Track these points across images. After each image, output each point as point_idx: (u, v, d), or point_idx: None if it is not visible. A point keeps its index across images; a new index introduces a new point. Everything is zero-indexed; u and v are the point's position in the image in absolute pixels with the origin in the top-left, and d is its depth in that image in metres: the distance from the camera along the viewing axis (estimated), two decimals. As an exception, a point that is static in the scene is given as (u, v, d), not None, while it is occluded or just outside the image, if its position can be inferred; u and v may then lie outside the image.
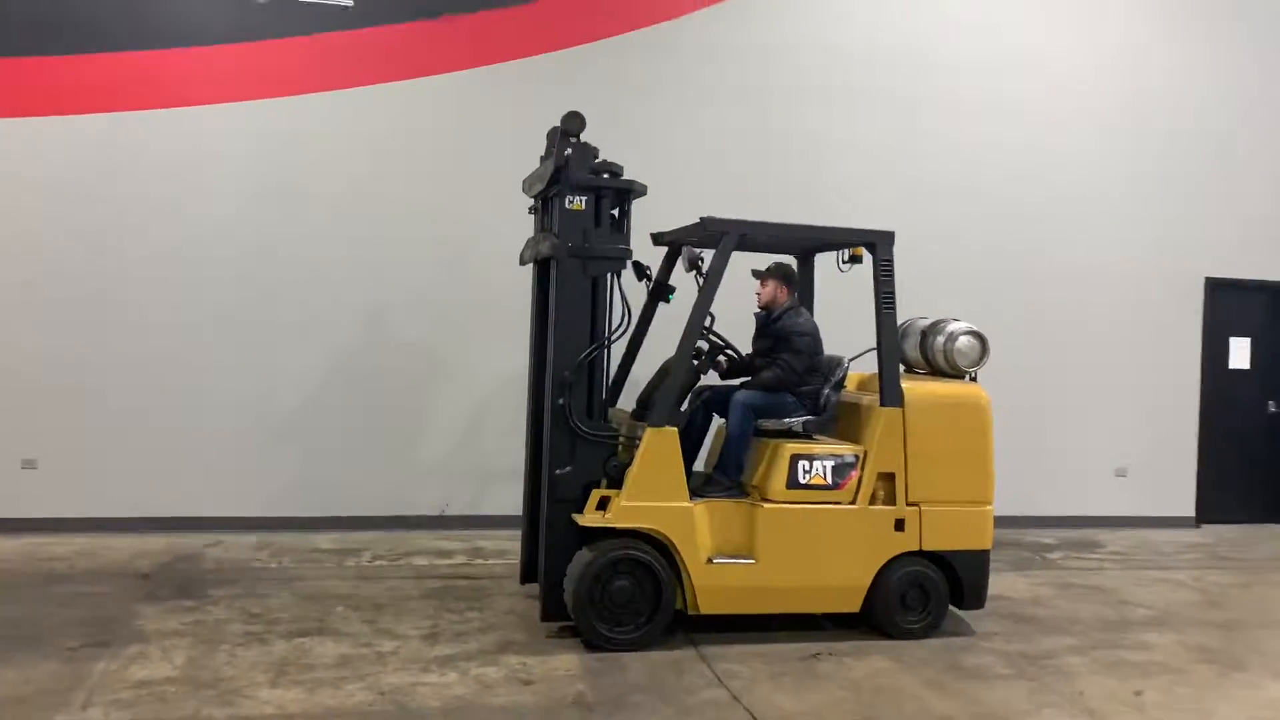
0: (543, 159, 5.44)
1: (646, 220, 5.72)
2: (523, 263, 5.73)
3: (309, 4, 7.17)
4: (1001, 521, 7.84)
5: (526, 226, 5.82)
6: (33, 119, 6.88)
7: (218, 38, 7.10)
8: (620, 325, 5.26)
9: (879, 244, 5.28)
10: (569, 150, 5.10)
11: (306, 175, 7.25)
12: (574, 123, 5.17)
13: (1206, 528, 8.78)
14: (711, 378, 5.66)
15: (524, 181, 5.66)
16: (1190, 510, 8.83)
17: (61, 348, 6.90)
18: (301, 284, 7.25)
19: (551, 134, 5.33)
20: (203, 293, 7.10)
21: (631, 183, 5.23)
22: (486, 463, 7.36)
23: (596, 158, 5.18)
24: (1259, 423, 9.15)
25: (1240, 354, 9.06)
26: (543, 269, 5.49)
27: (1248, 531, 8.74)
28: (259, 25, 7.13)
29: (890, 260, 5.28)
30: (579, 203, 5.09)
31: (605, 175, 5.14)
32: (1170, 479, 8.79)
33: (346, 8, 7.21)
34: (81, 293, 6.93)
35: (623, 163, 5.25)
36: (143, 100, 7.04)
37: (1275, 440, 9.14)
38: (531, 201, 5.67)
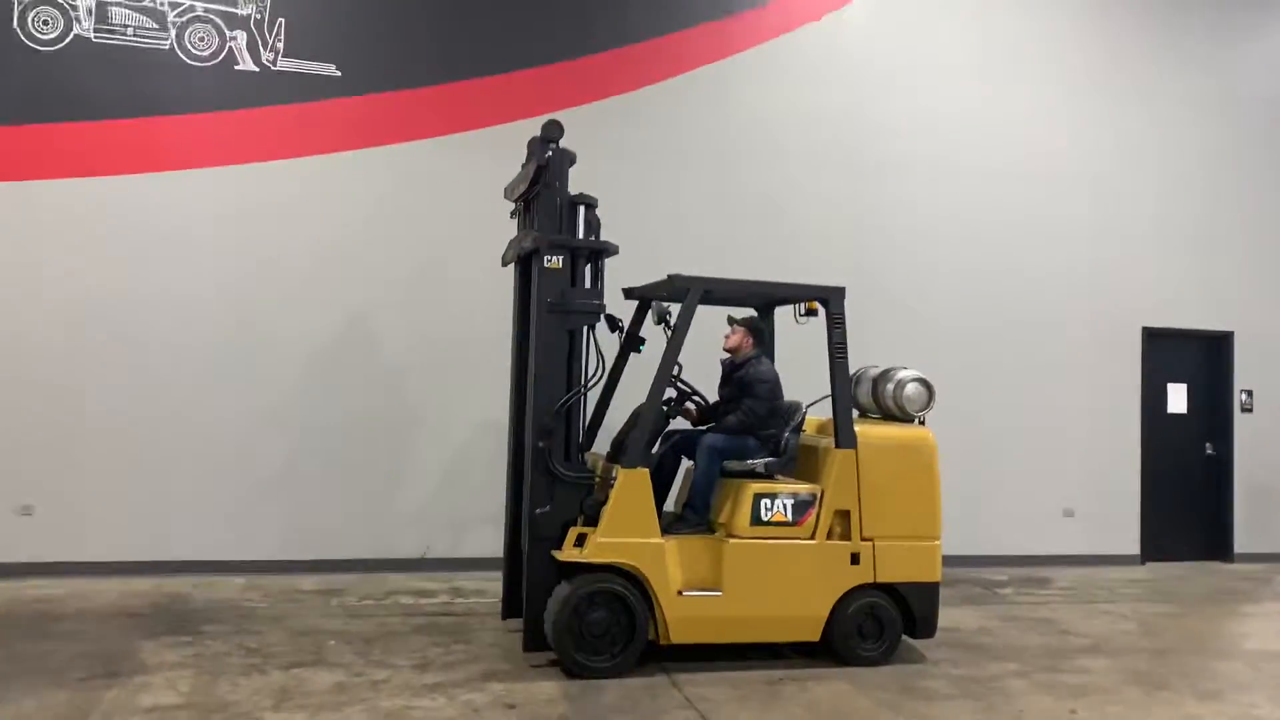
0: (524, 165, 5.88)
1: (619, 276, 6.16)
2: (505, 263, 6.16)
3: (297, 74, 7.62)
4: (956, 560, 8.37)
5: (501, 282, 6.26)
6: (20, 183, 7.19)
7: (208, 106, 7.49)
8: (595, 374, 5.69)
9: (831, 298, 5.76)
10: (549, 154, 5.55)
11: (288, 235, 7.60)
12: (554, 129, 5.64)
13: (1151, 565, 9.26)
14: (681, 422, 6.11)
15: (506, 188, 6.13)
16: (1135, 548, 9.32)
17: (52, 401, 7.16)
18: (283, 338, 7.57)
19: (532, 143, 5.78)
20: (188, 347, 7.40)
21: (605, 243, 5.70)
22: (465, 507, 7.68)
23: (573, 163, 5.64)
24: (1197, 464, 9.70)
25: (1178, 399, 9.64)
26: (524, 268, 5.91)
27: (1189, 568, 9.23)
28: (249, 94, 7.55)
29: (842, 313, 5.76)
30: (556, 262, 5.54)
31: (582, 206, 5.61)
32: (1115, 519, 9.29)
33: (336, 76, 7.68)
34: (71, 349, 7.20)
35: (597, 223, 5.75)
36: (128, 165, 7.35)
37: (1213, 481, 9.69)
38: (513, 206, 6.13)
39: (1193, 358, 9.69)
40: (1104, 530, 9.24)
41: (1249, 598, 8.07)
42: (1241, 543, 9.58)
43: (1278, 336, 9.83)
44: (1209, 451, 9.70)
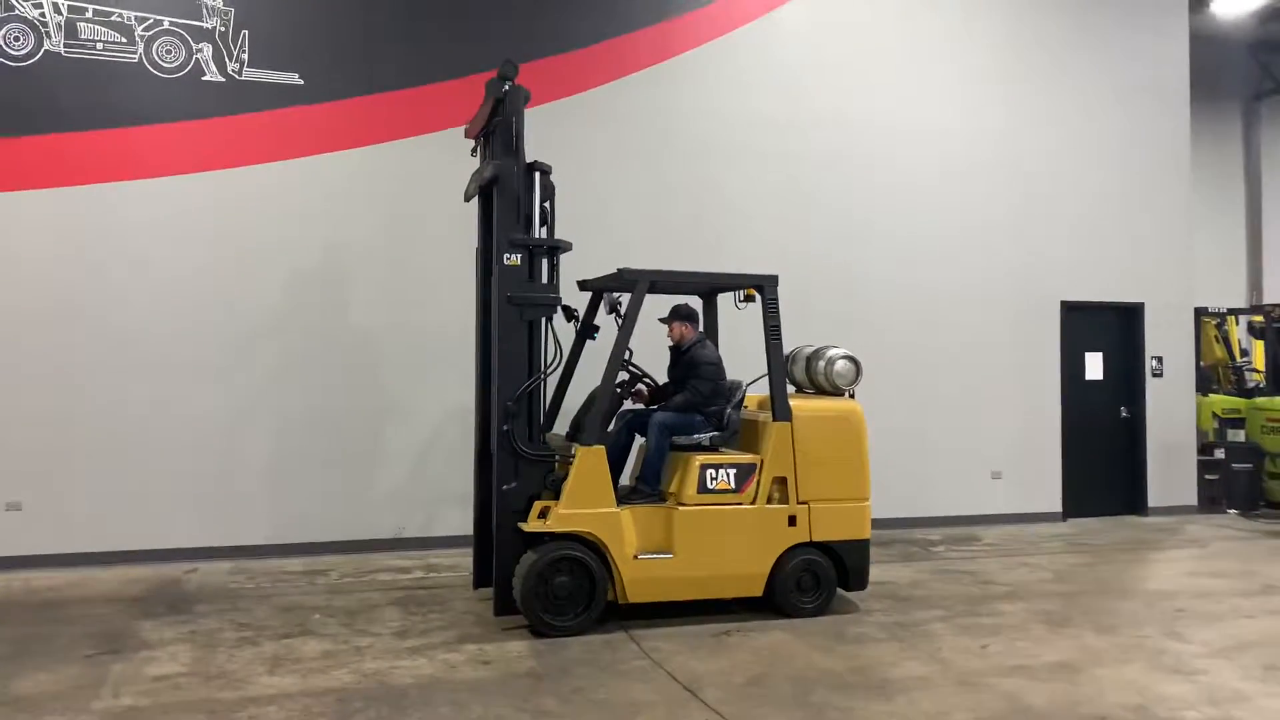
0: (482, 106, 6.40)
1: (573, 268, 6.68)
2: (467, 197, 6.67)
3: (262, 83, 8.00)
4: (895, 523, 9.10)
5: (466, 276, 6.75)
6: (5, 194, 7.54)
7: (177, 115, 7.85)
8: (553, 361, 6.22)
9: (766, 285, 6.34)
10: (505, 88, 6.09)
11: (258, 237, 7.99)
12: (509, 68, 6.17)
13: (1072, 520, 10.03)
14: (635, 403, 6.68)
15: (466, 127, 6.65)
16: (1058, 506, 10.09)
17: (38, 400, 7.51)
18: (263, 333, 7.98)
19: (490, 84, 6.28)
20: (168, 345, 7.77)
21: (559, 241, 6.22)
22: (437, 488, 8.17)
23: (528, 101, 6.17)
24: (1114, 427, 10.48)
25: (1094, 367, 10.40)
26: (485, 201, 6.46)
27: (1106, 523, 10.01)
28: (216, 103, 7.92)
29: (775, 299, 6.34)
30: (515, 259, 6.05)
31: (538, 172, 6.15)
32: (1039, 479, 10.04)
33: (299, 85, 8.07)
34: (53, 350, 7.55)
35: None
36: (108, 174, 7.70)
37: (1127, 441, 10.49)
38: (473, 144, 6.67)
39: (1107, 328, 10.44)
40: (1029, 490, 9.98)
41: (1156, 546, 8.85)
42: (1155, 497, 10.40)
43: (1184, 307, 10.65)
44: (1123, 414, 10.48)
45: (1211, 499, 10.68)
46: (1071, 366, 10.22)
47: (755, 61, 9.29)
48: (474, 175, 6.56)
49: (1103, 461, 10.39)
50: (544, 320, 6.15)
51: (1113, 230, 10.34)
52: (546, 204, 6.30)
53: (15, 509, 7.47)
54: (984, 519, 9.71)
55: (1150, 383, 10.46)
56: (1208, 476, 10.70)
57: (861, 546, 6.38)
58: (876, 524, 6.63)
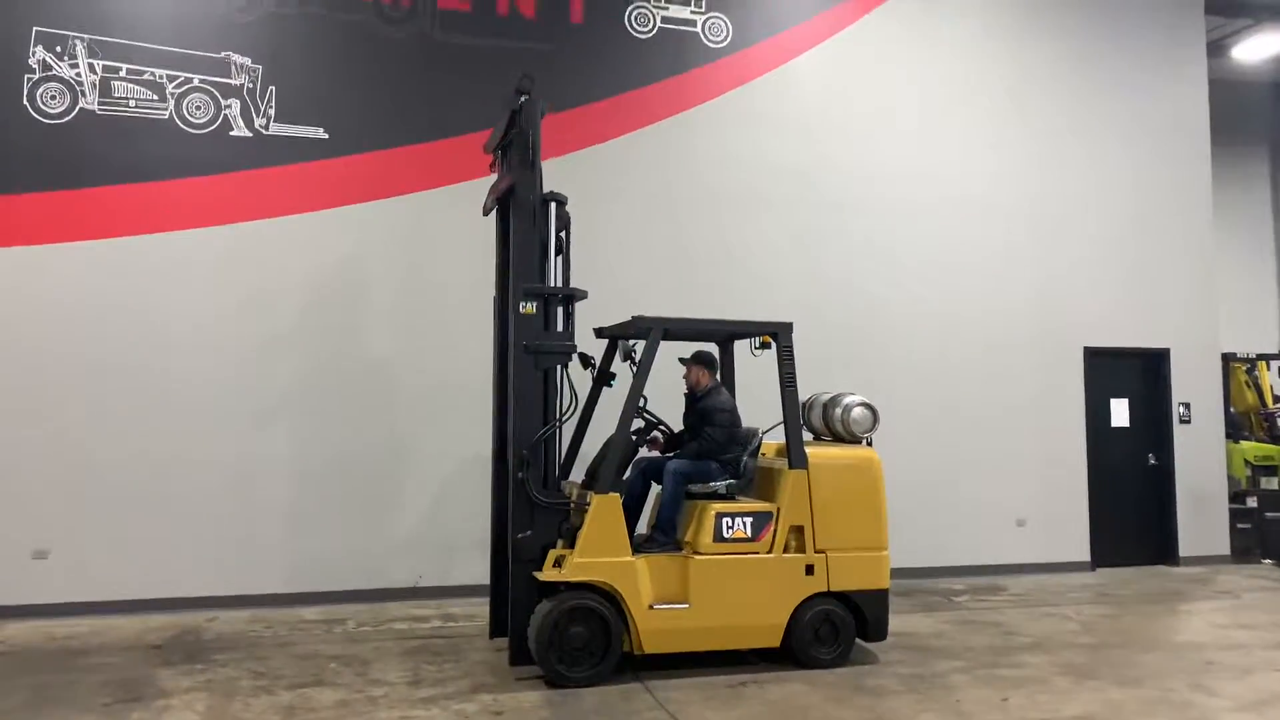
0: (499, 123, 6.52)
1: (590, 314, 6.74)
2: (486, 211, 6.72)
3: (287, 138, 8.20)
4: (916, 572, 8.99)
5: (482, 326, 6.81)
6: (36, 247, 7.71)
7: (205, 169, 8.04)
8: (568, 409, 6.24)
9: (780, 333, 6.36)
10: (521, 101, 6.21)
11: (281, 286, 8.14)
12: (525, 82, 6.30)
13: (1101, 570, 9.84)
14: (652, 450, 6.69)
15: (485, 144, 6.74)
16: (1086, 555, 9.90)
17: (65, 449, 7.64)
18: (282, 382, 8.09)
19: (507, 98, 6.40)
20: (190, 395, 7.89)
21: (574, 290, 6.29)
22: (454, 535, 8.18)
23: (545, 113, 6.29)
24: (1142, 474, 10.31)
25: (1120, 413, 10.27)
26: (503, 213, 6.53)
27: (1136, 573, 9.81)
28: (243, 157, 8.12)
29: (790, 346, 6.35)
30: (530, 307, 6.11)
31: (554, 203, 6.25)
32: (1066, 527, 9.88)
33: (323, 139, 8.27)
34: (80, 399, 7.69)
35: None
36: (138, 227, 7.91)
37: (1156, 489, 10.30)
38: (492, 158, 6.78)
39: (1132, 374, 10.32)
40: (1056, 539, 9.82)
41: (1186, 597, 8.65)
42: (1186, 547, 10.18)
43: (1211, 352, 10.51)
44: (1151, 462, 10.32)
45: (1244, 549, 10.46)
46: (1096, 413, 10.10)
47: (771, 111, 9.40)
48: (491, 188, 6.66)
49: (1131, 510, 10.21)
50: (559, 368, 6.20)
51: (1136, 275, 10.28)
52: (563, 234, 6.40)
53: (41, 557, 7.56)
54: (1009, 568, 9.56)
55: (1178, 429, 10.30)
56: (1240, 525, 10.49)
57: (880, 596, 6.30)
58: (896, 573, 6.56)
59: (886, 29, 9.78)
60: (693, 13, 9.30)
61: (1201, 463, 10.32)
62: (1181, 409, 10.31)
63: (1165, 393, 10.32)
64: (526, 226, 6.16)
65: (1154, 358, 10.34)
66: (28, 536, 7.56)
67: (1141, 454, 10.32)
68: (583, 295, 6.34)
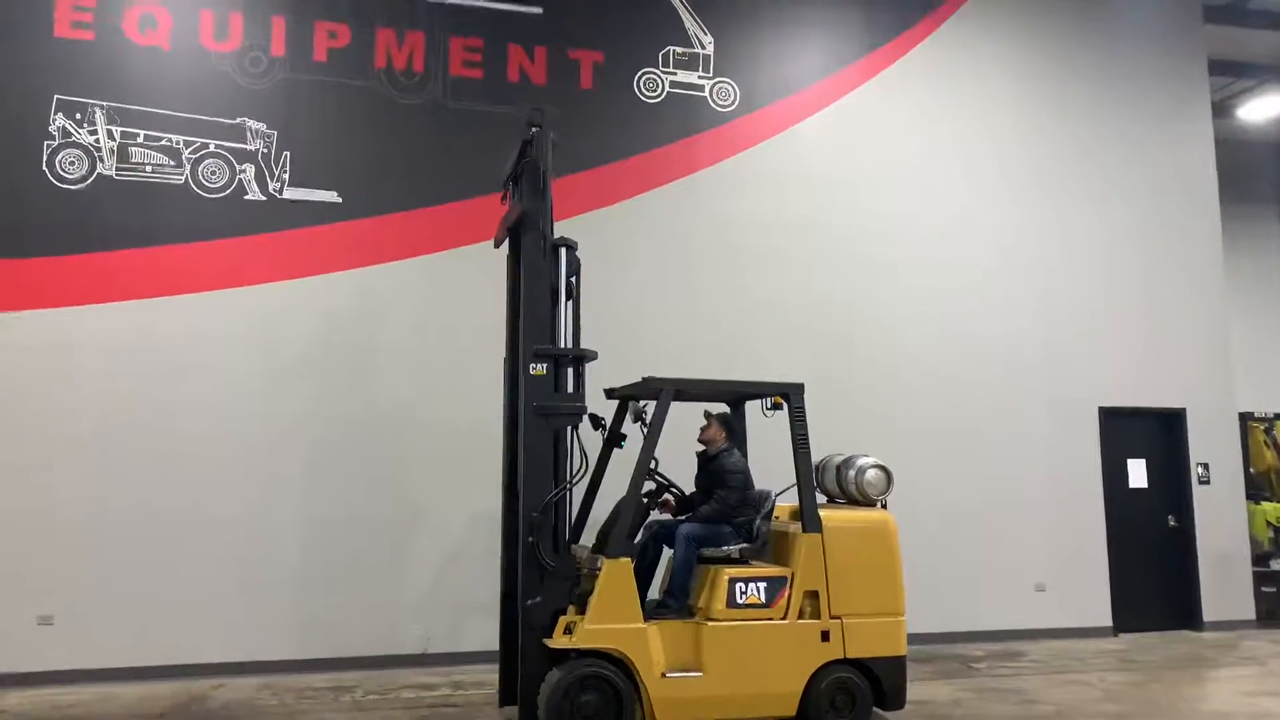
0: (510, 156, 6.59)
1: (599, 374, 6.71)
2: (497, 243, 6.71)
3: (301, 201, 8.28)
4: (935, 638, 8.81)
5: (493, 387, 6.77)
6: (50, 310, 7.75)
7: (220, 233, 8.12)
8: (579, 471, 6.18)
9: (792, 394, 6.31)
10: (533, 132, 6.26)
11: (297, 348, 8.16)
12: (536, 115, 6.36)
13: (1124, 636, 9.61)
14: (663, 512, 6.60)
15: (501, 180, 6.75)
16: (1108, 620, 9.69)
17: (72, 509, 7.59)
18: (290, 444, 8.06)
19: (520, 132, 6.48)
20: (202, 455, 7.86)
21: (584, 351, 6.27)
22: (463, 599, 8.05)
23: (556, 146, 6.35)
24: (1162, 536, 10.12)
25: (1138, 474, 10.12)
26: (514, 245, 6.51)
27: (1161, 638, 9.57)
28: (257, 221, 8.20)
29: (802, 407, 6.29)
30: (540, 369, 6.09)
31: (564, 248, 6.31)
32: (1087, 592, 9.67)
33: (336, 202, 8.35)
34: (87, 464, 7.66)
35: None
36: (152, 290, 7.96)
37: (1177, 552, 10.10)
38: (504, 191, 6.81)
39: (1149, 434, 10.20)
40: (1076, 603, 9.62)
41: (1211, 664, 8.43)
42: (1210, 610, 9.95)
43: (1228, 412, 10.39)
44: (1171, 523, 10.14)
45: (1269, 612, 10.23)
46: (1113, 474, 9.96)
47: (779, 173, 9.47)
48: (502, 220, 6.70)
49: (1153, 573, 10.01)
50: (570, 429, 6.14)
51: (1148, 335, 10.22)
52: (573, 279, 6.40)
53: (46, 623, 7.46)
54: (1029, 634, 9.35)
55: (1197, 490, 10.14)
56: (1264, 588, 10.27)
57: (898, 663, 6.14)
58: (914, 639, 6.41)
59: (893, 92, 9.90)
60: (700, 78, 9.43)
61: (1222, 524, 10.14)
62: (1200, 469, 10.17)
63: (1183, 453, 10.19)
64: (536, 267, 6.18)
65: (1170, 418, 10.23)
66: (32, 602, 7.47)
67: (1161, 516, 10.15)
68: (593, 356, 6.32)
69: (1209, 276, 10.54)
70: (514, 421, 6.41)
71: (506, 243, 6.66)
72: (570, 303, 6.40)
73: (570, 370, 6.22)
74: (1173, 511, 10.17)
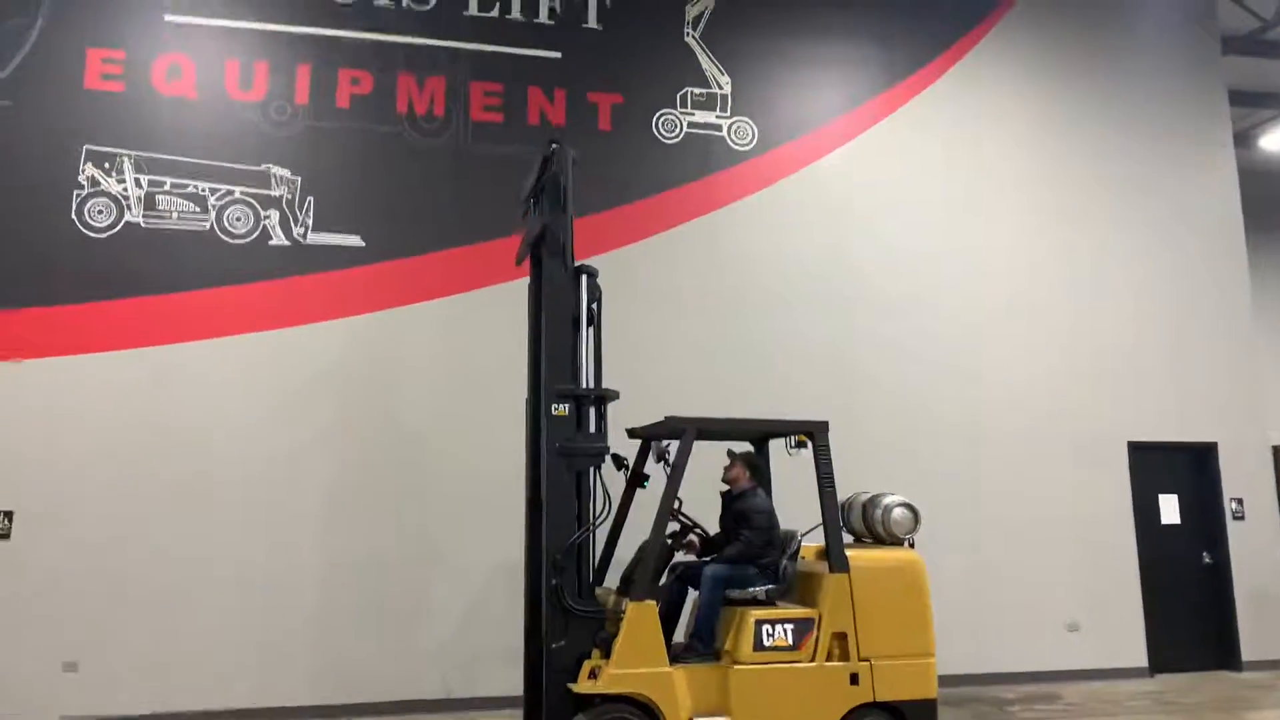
0: (530, 172, 6.65)
1: (624, 413, 6.69)
2: (519, 261, 6.70)
3: (326, 246, 8.36)
4: (966, 679, 8.65)
5: (514, 427, 6.75)
6: (79, 356, 7.83)
7: (245, 278, 8.20)
8: (602, 512, 6.13)
9: (816, 432, 6.25)
10: (553, 147, 6.36)
11: (318, 391, 8.19)
12: (557, 133, 6.43)
13: (1160, 677, 9.38)
14: (688, 553, 6.52)
15: (521, 199, 6.81)
16: (1143, 660, 9.45)
17: (95, 556, 7.61)
18: (313, 485, 8.06)
19: (541, 149, 6.61)
20: (225, 499, 7.88)
21: (606, 391, 6.24)
22: (485, 644, 7.97)
23: (576, 163, 6.40)
24: (1197, 573, 9.91)
25: (1169, 510, 9.94)
26: (535, 268, 6.52)
27: (1198, 679, 9.34)
28: (282, 265, 8.27)
29: (827, 445, 6.23)
30: (563, 409, 6.07)
31: (585, 275, 6.32)
32: (1121, 631, 9.46)
33: (360, 246, 8.42)
34: (109, 509, 7.69)
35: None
36: (178, 335, 8.03)
37: (1213, 589, 9.88)
38: (526, 210, 6.83)
39: (1180, 469, 10.03)
40: (1110, 643, 9.40)
41: (1252, 705, 8.21)
42: (1248, 650, 9.70)
43: (1261, 445, 10.21)
44: (1206, 560, 9.94)
45: (1311, 651, 9.96)
46: (1145, 509, 9.78)
47: (798, 211, 9.48)
48: (523, 238, 6.72)
49: (1188, 611, 9.79)
50: (592, 470, 6.11)
51: (1176, 368, 10.09)
52: (594, 305, 6.41)
53: (71, 669, 7.44)
54: (1063, 675, 9.15)
55: (1232, 526, 9.93)
56: (1305, 627, 10.01)
57: (929, 707, 6.00)
58: (944, 680, 6.29)
59: (912, 129, 9.91)
60: (718, 118, 9.49)
61: (1259, 560, 9.92)
62: (1234, 504, 9.97)
63: (1215, 488, 10.00)
64: (557, 287, 6.21)
65: (1201, 452, 10.06)
66: (58, 649, 7.46)
67: (1195, 552, 9.95)
68: (615, 396, 6.29)
69: (1236, 307, 10.41)
70: (536, 462, 6.38)
71: (528, 273, 6.68)
72: (591, 329, 6.39)
73: (592, 410, 6.19)
74: (1207, 548, 9.96)
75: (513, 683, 6.61)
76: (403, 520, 8.18)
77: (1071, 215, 10.14)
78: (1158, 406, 9.96)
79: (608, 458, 6.18)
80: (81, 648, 7.49)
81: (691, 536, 6.52)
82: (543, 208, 6.47)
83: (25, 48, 8.09)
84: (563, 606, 5.78)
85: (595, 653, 5.75)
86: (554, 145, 6.47)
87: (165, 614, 7.64)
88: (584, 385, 6.20)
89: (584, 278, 6.36)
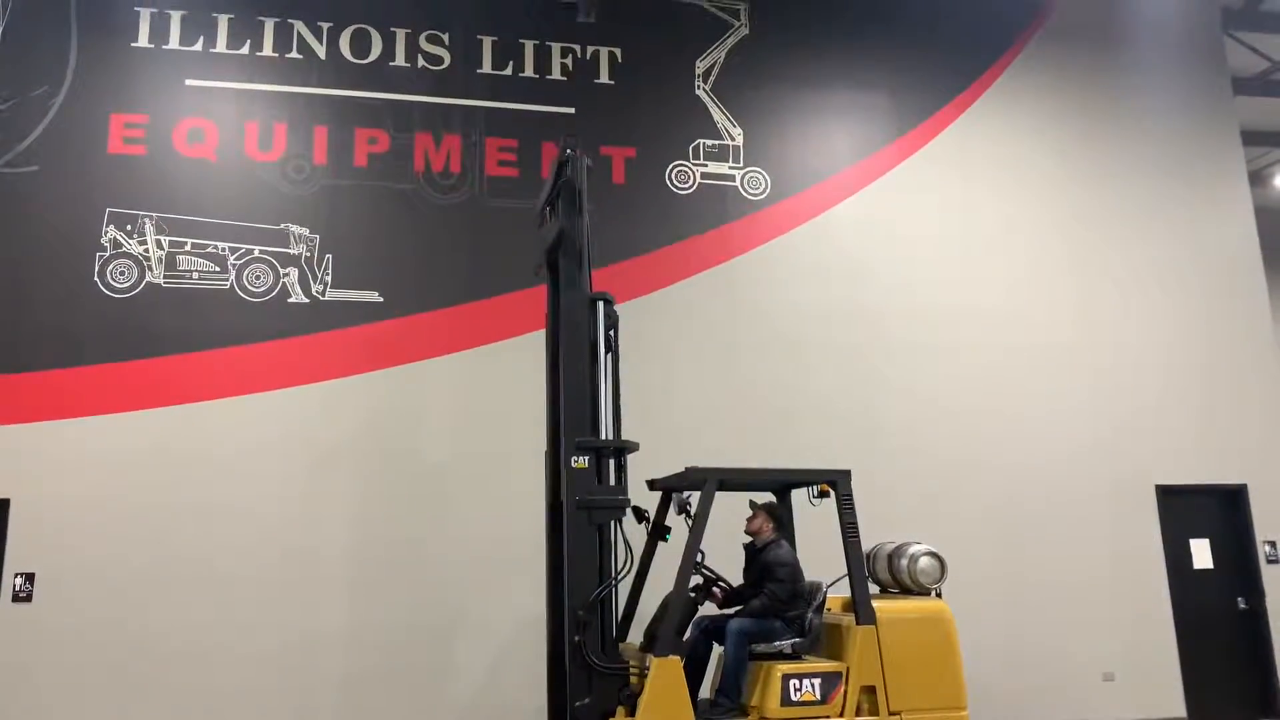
0: (546, 179, 6.71)
1: (644, 464, 6.63)
2: (536, 271, 6.72)
3: (344, 302, 8.41)
4: (1000, 731, 8.35)
5: (535, 482, 6.70)
6: (99, 417, 7.86)
7: (264, 336, 8.24)
8: (624, 566, 6.05)
9: (839, 481, 6.18)
10: (568, 152, 6.39)
11: (338, 448, 8.18)
12: (572, 140, 6.52)
13: (1200, 726, 9.14)
14: (711, 608, 6.41)
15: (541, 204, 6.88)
16: (1182, 710, 9.19)
17: (118, 618, 7.56)
18: (334, 544, 8.01)
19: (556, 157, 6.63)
20: (246, 555, 7.83)
21: (626, 443, 6.19)
22: (509, 704, 7.83)
23: (591, 167, 6.47)
24: (1232, 620, 9.66)
25: (1202, 555, 9.73)
26: (552, 267, 6.54)
27: (1239, 728, 9.09)
28: (301, 323, 8.31)
29: (850, 494, 6.15)
30: (582, 461, 6.01)
31: (601, 302, 6.32)
32: (1157, 680, 9.21)
33: (379, 302, 8.47)
34: (132, 575, 7.66)
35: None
36: (198, 394, 8.05)
37: (1250, 636, 9.63)
38: (542, 220, 6.88)
39: (1210, 512, 9.84)
40: (1147, 692, 9.15)
41: (1299, 756, 7.96)
42: (1289, 698, 9.45)
43: (1292, 486, 10.03)
44: (1242, 606, 9.70)
45: (1354, 699, 9.68)
46: (1176, 555, 9.58)
47: (813, 258, 9.48)
48: (542, 245, 6.74)
49: (1225, 659, 9.53)
50: (614, 523, 6.04)
51: (1202, 410, 9.94)
52: (611, 332, 6.40)
53: (88, 733, 7.37)
54: (1100, 726, 8.92)
55: (1266, 569, 9.70)
56: (1347, 673, 9.73)
57: (963, 761, 5.86)
58: (978, 735, 6.11)
59: (924, 176, 9.94)
60: (731, 168, 9.56)
61: (1297, 605, 9.69)
62: (1268, 547, 9.76)
63: (1248, 531, 9.79)
64: (575, 305, 6.21)
65: (1232, 494, 9.87)
66: (81, 713, 7.37)
67: (1230, 598, 9.71)
68: (634, 447, 6.24)
69: (1260, 347, 10.28)
70: (556, 516, 6.33)
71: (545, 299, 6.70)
72: (609, 358, 6.35)
73: (612, 462, 6.14)
74: (1242, 593, 9.73)
75: (536, 742, 6.50)
76: (424, 580, 8.08)
77: (1089, 258, 10.11)
78: (1185, 450, 9.81)
79: (629, 511, 6.11)
80: (105, 712, 7.40)
81: (715, 589, 6.41)
82: (559, 213, 6.50)
83: (50, 114, 8.26)
84: (586, 663, 5.68)
85: (620, 709, 5.64)
86: (569, 151, 6.51)
87: (188, 677, 7.56)
88: (603, 434, 6.15)
89: (600, 305, 6.35)
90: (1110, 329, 9.97)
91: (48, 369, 7.85)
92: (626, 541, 6.07)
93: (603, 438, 6.14)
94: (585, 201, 6.45)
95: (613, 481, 6.08)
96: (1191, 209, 10.49)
